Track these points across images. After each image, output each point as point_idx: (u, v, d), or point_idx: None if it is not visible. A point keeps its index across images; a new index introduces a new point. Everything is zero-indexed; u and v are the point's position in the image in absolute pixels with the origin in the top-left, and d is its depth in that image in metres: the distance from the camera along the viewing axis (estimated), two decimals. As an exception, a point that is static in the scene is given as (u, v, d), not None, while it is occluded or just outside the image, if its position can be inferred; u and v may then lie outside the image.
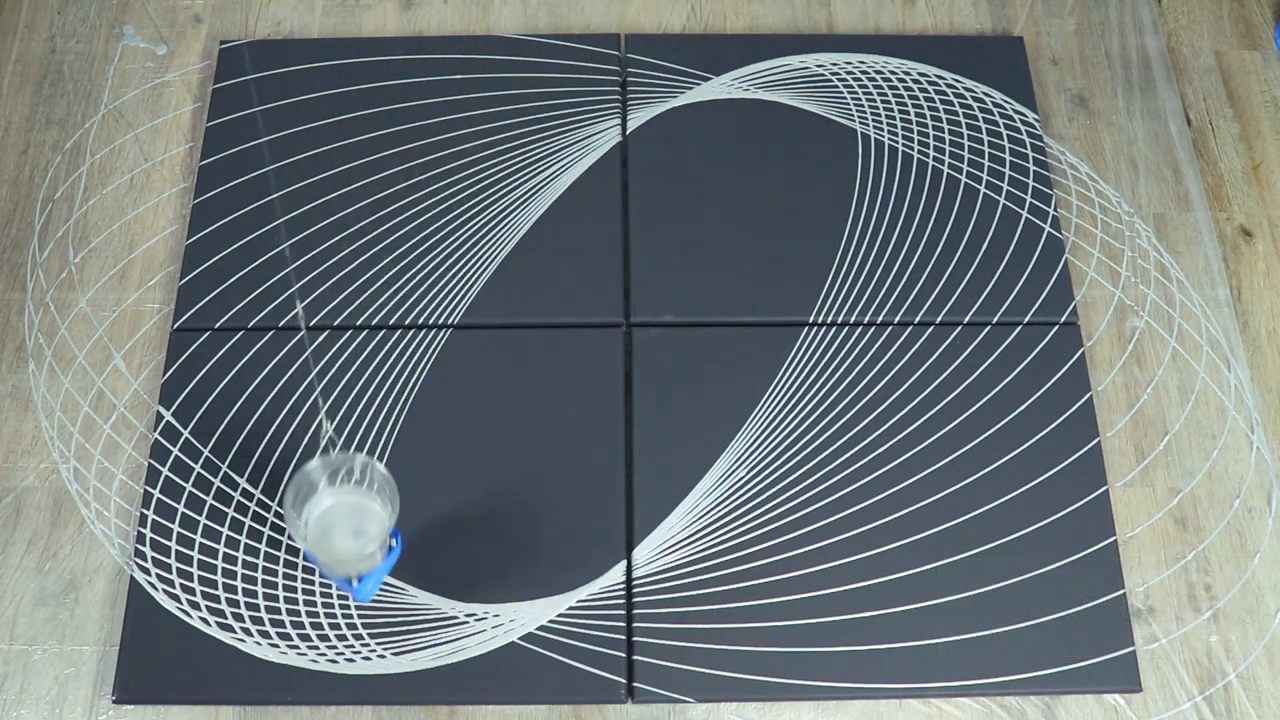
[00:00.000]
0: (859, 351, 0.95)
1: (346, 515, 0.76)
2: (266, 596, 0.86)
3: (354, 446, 0.91)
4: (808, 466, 0.91)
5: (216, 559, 0.87)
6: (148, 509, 0.89)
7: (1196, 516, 0.93)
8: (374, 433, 0.92)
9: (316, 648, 0.84)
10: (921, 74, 1.09)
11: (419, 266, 0.99)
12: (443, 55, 1.09)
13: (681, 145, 1.04)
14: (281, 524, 0.88)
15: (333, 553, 0.75)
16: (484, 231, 1.00)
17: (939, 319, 0.97)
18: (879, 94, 1.08)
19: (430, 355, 0.95)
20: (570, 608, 0.86)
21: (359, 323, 0.96)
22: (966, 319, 0.97)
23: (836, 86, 1.08)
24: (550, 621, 0.85)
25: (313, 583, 0.87)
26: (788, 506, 0.89)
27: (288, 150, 1.04)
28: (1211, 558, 0.91)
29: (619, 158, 1.04)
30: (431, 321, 0.96)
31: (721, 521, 0.89)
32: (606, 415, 0.92)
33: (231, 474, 0.90)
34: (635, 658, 0.84)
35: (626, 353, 0.95)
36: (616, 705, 0.86)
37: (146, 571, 0.87)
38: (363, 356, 0.95)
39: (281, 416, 0.92)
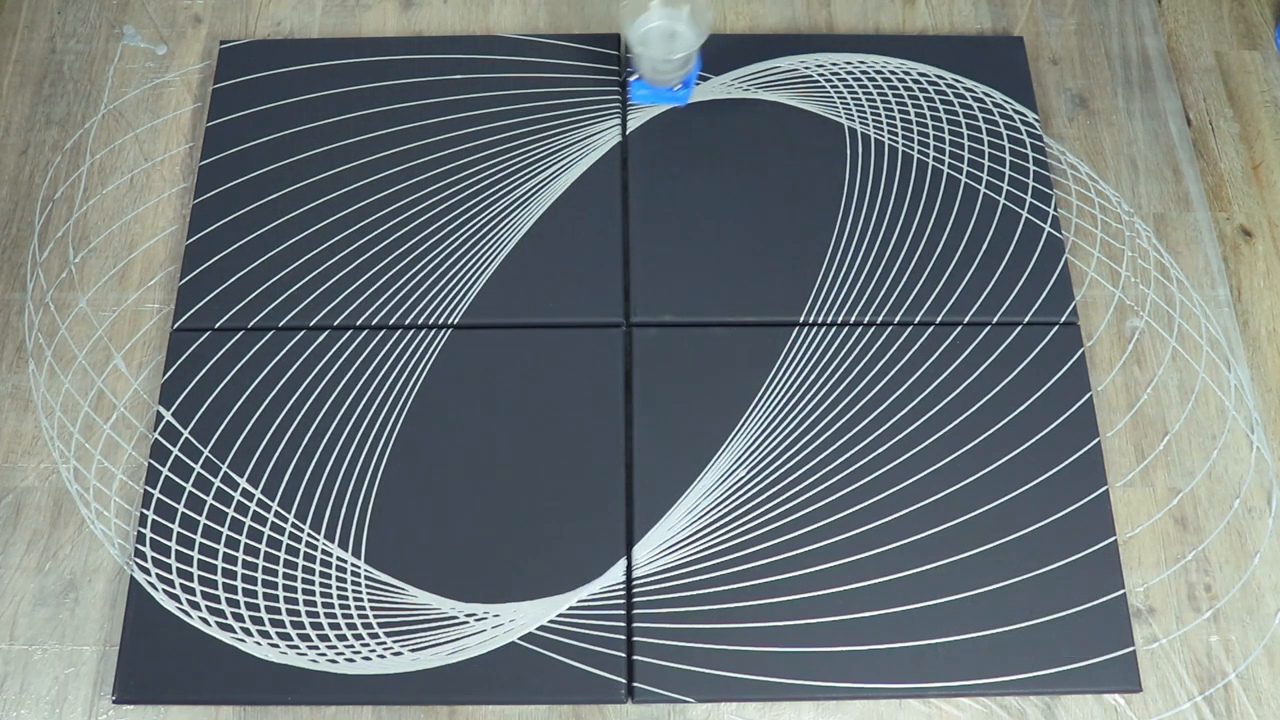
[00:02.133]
0: (859, 351, 0.95)
1: (662, 34, 1.03)
2: (266, 596, 0.86)
3: (354, 446, 0.91)
4: (808, 466, 0.91)
5: (216, 559, 0.87)
6: (148, 509, 0.89)
7: (1196, 516, 0.93)
8: (374, 432, 0.92)
9: (316, 648, 0.84)
10: (921, 74, 1.09)
11: (419, 267, 0.99)
12: (443, 55, 1.09)
13: (681, 145, 1.04)
14: (281, 524, 0.88)
15: (650, 60, 1.00)
16: (484, 231, 1.00)
17: (939, 319, 0.97)
18: (879, 94, 1.08)
19: (430, 355, 0.95)
20: (570, 608, 0.86)
21: (359, 323, 0.96)
22: (966, 319, 0.97)
23: (837, 86, 1.08)
24: (550, 621, 0.85)
25: (313, 583, 0.87)
26: (788, 506, 0.89)
27: (288, 150, 1.04)
28: (1211, 558, 0.91)
29: (619, 158, 1.04)
30: (431, 321, 0.96)
31: (721, 521, 0.89)
32: (606, 415, 0.92)
33: (231, 474, 0.90)
34: (635, 658, 0.84)
35: (626, 353, 0.95)
36: (616, 705, 0.86)
37: (146, 571, 0.87)
38: (363, 356, 0.95)
39: (281, 416, 0.92)
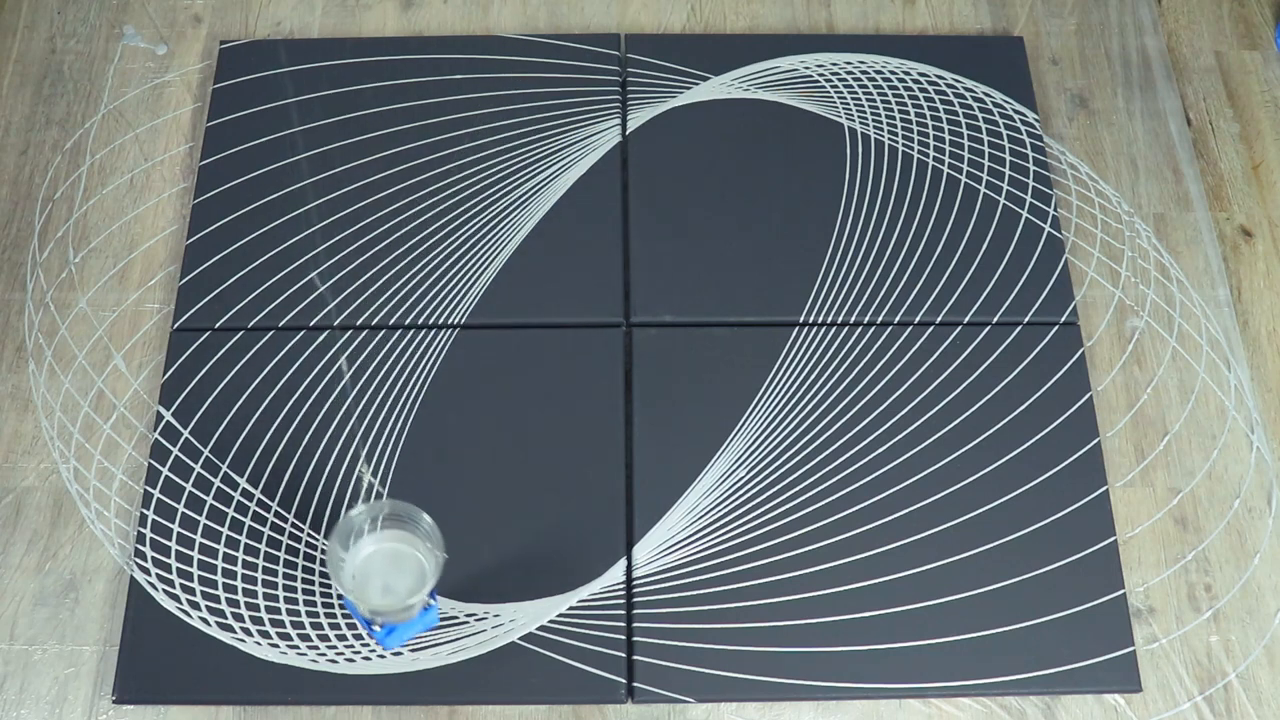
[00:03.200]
0: (859, 351, 0.95)
1: (386, 562, 0.77)
2: (266, 596, 0.86)
3: (354, 446, 0.91)
4: (808, 466, 0.91)
5: (216, 559, 0.87)
6: (148, 509, 0.89)
7: (1196, 516, 0.93)
8: (374, 433, 0.92)
9: (316, 648, 0.84)
10: (921, 74, 1.09)
11: (419, 267, 0.99)
12: (443, 55, 1.09)
13: (681, 145, 1.04)
14: (281, 524, 0.88)
15: (368, 602, 0.76)
16: (484, 232, 1.00)
17: (939, 319, 0.97)
18: (879, 94, 1.08)
19: (430, 355, 0.95)
20: (570, 608, 0.86)
21: (359, 323, 0.96)
22: (966, 319, 0.97)
23: (837, 86, 1.08)
24: (550, 621, 0.85)
25: (313, 583, 0.87)
26: (788, 506, 0.89)
27: (288, 150, 1.04)
28: (1211, 558, 0.91)
29: (619, 158, 1.04)
30: (431, 322, 0.96)
31: (721, 521, 0.89)
32: (606, 415, 0.92)
33: (231, 474, 0.90)
34: (635, 658, 0.84)
35: (626, 353, 0.95)
36: (616, 705, 0.86)
37: (146, 571, 0.87)
38: (362, 357, 0.95)
39: (281, 416, 0.92)
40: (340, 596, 0.83)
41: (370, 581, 0.76)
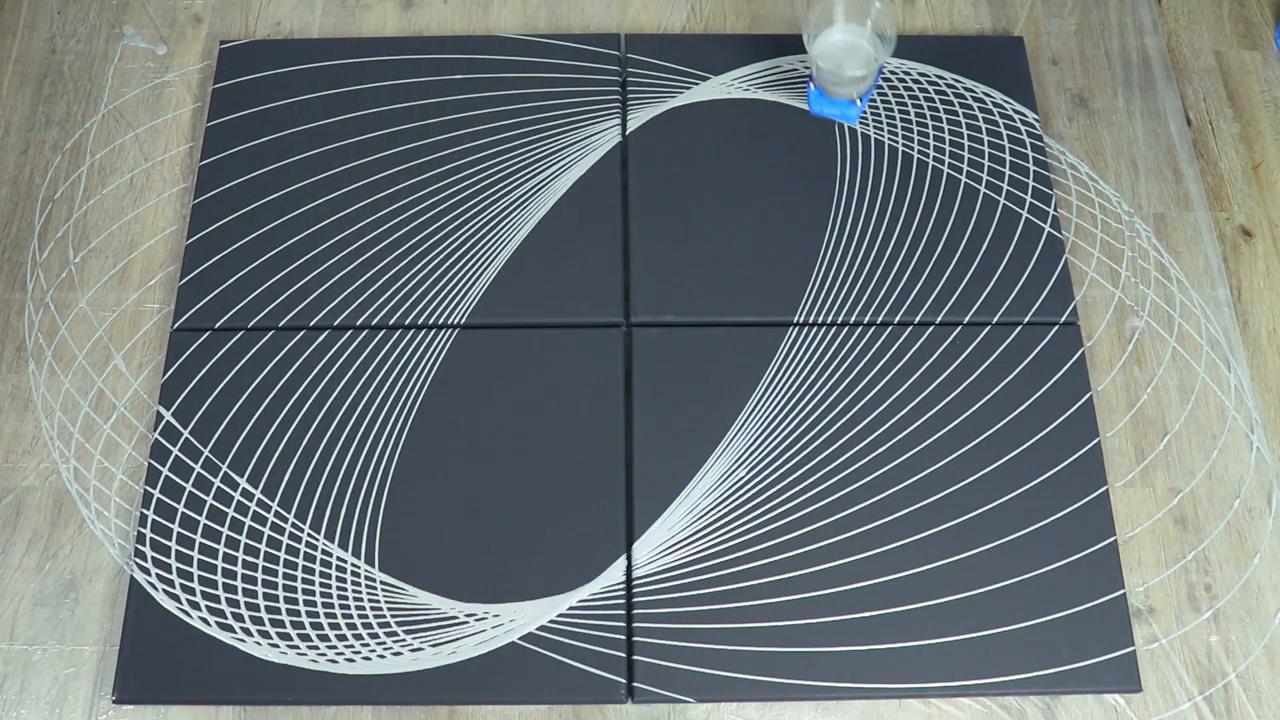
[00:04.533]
0: (859, 351, 0.95)
1: (847, 49, 1.03)
2: (266, 596, 0.86)
3: (354, 446, 0.91)
4: (808, 466, 0.91)
5: (216, 559, 0.87)
6: (148, 509, 0.89)
7: (1196, 516, 0.93)
8: (373, 432, 0.92)
9: (316, 648, 0.84)
10: (921, 74, 1.09)
11: (419, 267, 0.99)
12: (443, 55, 1.09)
13: (681, 145, 1.04)
14: (281, 524, 0.88)
15: (848, 73, 1.00)
16: (484, 232, 1.00)
17: (939, 319, 0.97)
18: (879, 94, 1.08)
19: (430, 355, 0.95)
20: (570, 608, 0.86)
21: (359, 323, 0.96)
22: (966, 319, 0.97)
23: (836, 86, 1.08)
24: (550, 621, 0.85)
25: (313, 583, 0.87)
26: (788, 506, 0.89)
27: (288, 150, 1.04)
28: (1211, 558, 0.91)
29: (619, 158, 1.04)
30: (431, 321, 0.96)
31: (721, 521, 0.89)
32: (606, 415, 0.92)
33: (231, 474, 0.90)
34: (635, 658, 0.84)
35: (626, 353, 0.95)
36: (616, 705, 0.86)
37: (146, 571, 0.87)
38: (363, 357, 0.95)
39: (281, 416, 0.92)
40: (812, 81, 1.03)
41: (848, 57, 1.02)
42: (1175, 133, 1.10)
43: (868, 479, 0.90)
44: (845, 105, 1.03)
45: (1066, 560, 0.87)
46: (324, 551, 0.88)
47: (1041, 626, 0.85)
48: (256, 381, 0.94)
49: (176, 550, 0.88)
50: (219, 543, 0.88)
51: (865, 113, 1.07)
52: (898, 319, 0.97)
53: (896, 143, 1.05)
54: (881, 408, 0.93)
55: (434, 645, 0.85)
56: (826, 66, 1.01)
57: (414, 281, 0.98)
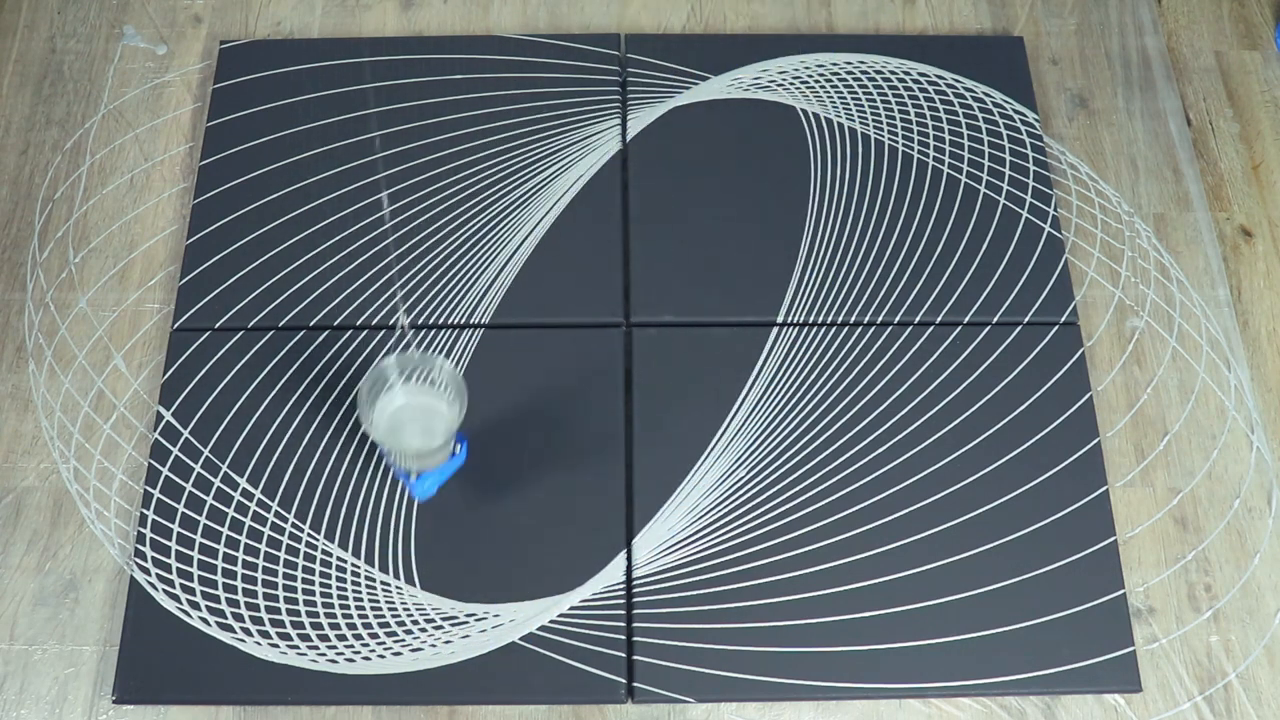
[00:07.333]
0: (859, 351, 0.95)
1: (416, 414, 0.82)
2: (266, 596, 0.86)
3: (354, 446, 0.91)
4: (808, 466, 0.91)
5: (216, 559, 0.87)
6: (148, 509, 0.89)
7: (1196, 516, 0.93)
8: (374, 433, 0.92)
9: (316, 648, 0.84)
10: (921, 74, 1.09)
11: (419, 267, 0.99)
12: (442, 55, 1.09)
13: (681, 145, 1.04)
14: (281, 524, 0.88)
15: (401, 448, 0.81)
16: (484, 232, 1.00)
17: (939, 319, 0.97)
18: (879, 94, 1.08)
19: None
20: (570, 608, 0.86)
21: (359, 323, 0.96)
22: (966, 319, 0.97)
23: (837, 86, 1.08)
24: (550, 621, 0.85)
25: (313, 583, 0.87)
26: (788, 506, 0.89)
27: (288, 150, 1.04)
28: (1211, 558, 0.91)
29: (619, 158, 1.04)
30: (431, 322, 0.96)
31: (721, 521, 0.89)
32: (606, 415, 0.92)
33: (231, 474, 0.90)
34: (635, 658, 0.84)
35: (626, 353, 0.95)
36: (616, 705, 0.86)
37: (146, 571, 0.87)
38: (362, 356, 0.95)
39: (281, 416, 0.92)
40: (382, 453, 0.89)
41: (405, 429, 0.82)
42: (1175, 133, 1.10)
43: (868, 479, 0.90)
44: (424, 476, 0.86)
45: (1066, 560, 0.87)
46: (324, 551, 0.88)
47: (1041, 626, 0.85)
48: (256, 381, 0.94)
49: (176, 550, 0.88)
50: (219, 543, 0.88)
51: (865, 113, 1.07)
52: (898, 319, 0.97)
53: (896, 143, 1.05)
54: (882, 407, 0.93)
55: (434, 645, 0.85)
56: (399, 445, 0.81)
57: (414, 282, 0.98)
